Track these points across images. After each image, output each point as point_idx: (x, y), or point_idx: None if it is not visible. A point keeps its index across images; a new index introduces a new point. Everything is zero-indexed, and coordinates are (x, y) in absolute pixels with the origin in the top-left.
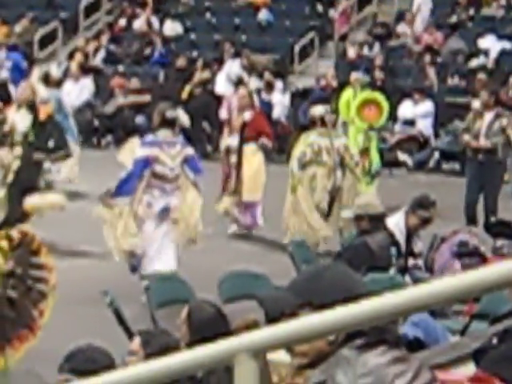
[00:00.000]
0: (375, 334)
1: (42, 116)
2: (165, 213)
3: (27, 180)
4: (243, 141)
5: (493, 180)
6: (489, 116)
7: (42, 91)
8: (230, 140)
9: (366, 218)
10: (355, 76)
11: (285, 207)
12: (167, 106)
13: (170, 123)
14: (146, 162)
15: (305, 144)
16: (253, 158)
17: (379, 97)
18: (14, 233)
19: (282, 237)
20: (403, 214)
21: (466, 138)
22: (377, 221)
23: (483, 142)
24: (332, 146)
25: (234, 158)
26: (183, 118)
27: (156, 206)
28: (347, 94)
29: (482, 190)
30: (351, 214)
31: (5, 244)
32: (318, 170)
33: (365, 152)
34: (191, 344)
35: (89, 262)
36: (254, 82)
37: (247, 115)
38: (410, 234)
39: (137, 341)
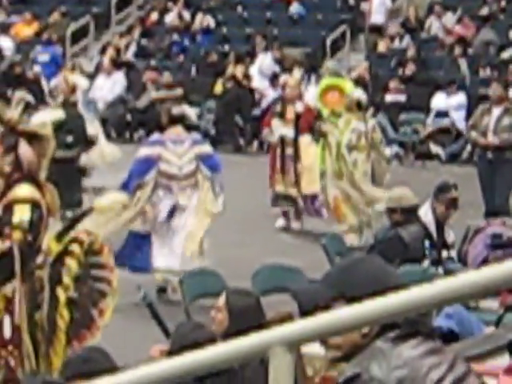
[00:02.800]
0: (409, 325)
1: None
2: (172, 213)
3: (61, 179)
4: (298, 132)
5: (504, 179)
6: (497, 111)
7: (81, 80)
8: (284, 131)
9: (399, 211)
10: (326, 64)
11: (329, 193)
12: (173, 104)
13: (177, 120)
14: (148, 162)
15: (348, 130)
16: (309, 149)
17: (342, 83)
18: (84, 235)
19: (317, 228)
20: (429, 206)
21: (474, 134)
22: (410, 213)
23: (491, 139)
24: (367, 130)
25: (289, 150)
26: (190, 114)
27: (160, 205)
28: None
29: (494, 188)
30: (383, 207)
31: (76, 248)
32: (358, 156)
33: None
34: (228, 332)
35: None
36: (286, 76)
37: (299, 106)
38: (441, 225)
39: (223, 298)
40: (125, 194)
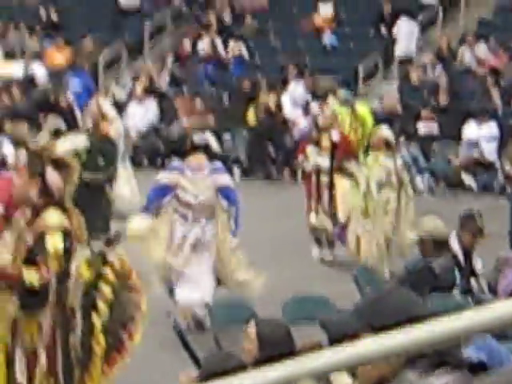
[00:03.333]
0: (438, 356)
1: (102, 134)
2: (184, 242)
3: (87, 203)
4: (334, 161)
5: None
6: None
7: (110, 110)
8: (320, 160)
9: (431, 242)
10: (338, 93)
11: (354, 230)
12: (195, 131)
13: (198, 148)
14: (166, 188)
15: (377, 166)
16: (344, 178)
17: (341, 111)
18: (115, 260)
19: (348, 258)
20: (455, 236)
21: (507, 168)
22: (441, 244)
23: None
24: (396, 168)
25: (324, 178)
26: (213, 142)
27: (176, 233)
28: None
29: None
30: (415, 236)
31: (109, 272)
32: (390, 194)
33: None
34: (258, 361)
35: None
36: (315, 104)
37: (335, 135)
38: (468, 253)
39: (253, 326)
40: (148, 218)
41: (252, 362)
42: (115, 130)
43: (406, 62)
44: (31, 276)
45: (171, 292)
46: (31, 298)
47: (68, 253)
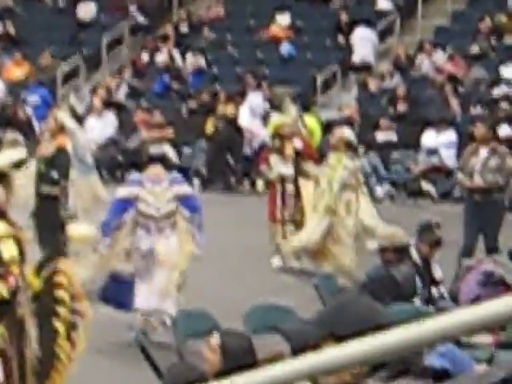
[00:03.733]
0: (400, 364)
1: (55, 146)
2: (149, 255)
3: (43, 215)
4: (298, 169)
5: (491, 221)
6: (484, 152)
7: (69, 122)
8: (284, 169)
9: (391, 250)
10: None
11: (313, 230)
12: (152, 143)
13: (155, 160)
14: (127, 202)
15: (340, 167)
16: (309, 185)
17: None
18: (62, 266)
19: (310, 267)
20: (413, 246)
21: (460, 176)
22: (402, 252)
23: (478, 181)
24: (355, 169)
25: (290, 186)
26: (170, 153)
27: (141, 245)
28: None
29: (480, 232)
30: (376, 245)
31: (63, 279)
32: (351, 195)
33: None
34: (221, 373)
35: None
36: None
37: (298, 143)
38: (427, 262)
39: (216, 338)
40: (93, 228)
41: (214, 373)
42: (80, 141)
43: (364, 69)
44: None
45: (120, 305)
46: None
47: (22, 258)
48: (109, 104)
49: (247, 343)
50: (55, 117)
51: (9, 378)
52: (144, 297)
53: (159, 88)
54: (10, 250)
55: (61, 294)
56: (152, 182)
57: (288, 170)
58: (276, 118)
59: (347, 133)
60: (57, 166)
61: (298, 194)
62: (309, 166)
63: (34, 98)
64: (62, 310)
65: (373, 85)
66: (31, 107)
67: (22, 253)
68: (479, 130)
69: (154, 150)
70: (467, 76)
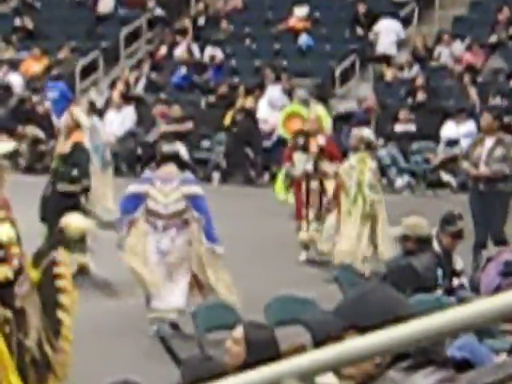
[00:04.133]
0: (422, 355)
1: (72, 143)
2: (160, 254)
3: (56, 212)
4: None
5: (496, 212)
6: (489, 142)
7: (84, 119)
8: (308, 166)
9: (413, 239)
10: (298, 93)
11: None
12: (165, 141)
13: (168, 158)
14: (136, 199)
15: (367, 168)
16: (329, 184)
17: (303, 111)
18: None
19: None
20: (435, 237)
21: (465, 165)
22: (423, 242)
23: (483, 170)
24: (376, 169)
25: (315, 184)
26: (183, 152)
27: (150, 246)
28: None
29: (487, 222)
30: (398, 232)
31: (64, 270)
32: (375, 196)
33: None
34: (245, 365)
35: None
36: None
37: (322, 140)
38: (448, 253)
39: (241, 330)
40: (88, 220)
41: (238, 365)
42: (99, 138)
43: (385, 60)
44: (1, 271)
45: (148, 302)
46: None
47: (19, 240)
48: (128, 98)
49: (270, 335)
50: (71, 113)
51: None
52: (160, 297)
53: (178, 81)
54: (7, 233)
55: (63, 284)
56: (162, 181)
57: (312, 166)
58: (288, 107)
59: (366, 132)
60: (75, 163)
61: (323, 190)
62: (326, 166)
63: (52, 93)
64: (65, 300)
65: (389, 75)
66: (50, 102)
67: (18, 236)
68: (485, 119)
69: (166, 148)
70: (486, 66)
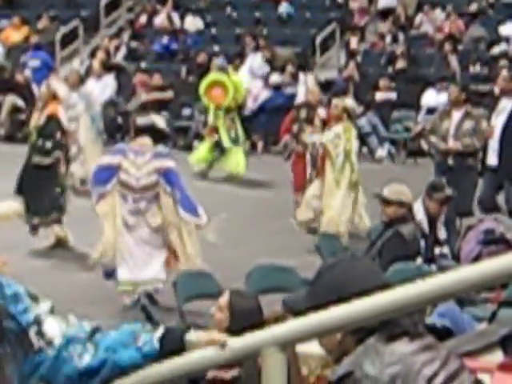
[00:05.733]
0: (402, 323)
1: (46, 115)
2: (128, 228)
3: (35, 185)
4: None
5: (465, 187)
6: (457, 114)
7: (62, 90)
8: (315, 137)
9: (396, 205)
10: (216, 61)
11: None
12: (139, 114)
13: (142, 131)
14: (109, 170)
15: (353, 137)
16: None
17: (225, 79)
18: None
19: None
20: (421, 203)
21: (434, 139)
22: (407, 209)
23: (453, 144)
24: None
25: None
26: (159, 122)
27: (120, 214)
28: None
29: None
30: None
31: None
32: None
33: (213, 129)
34: (227, 332)
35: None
36: (275, 76)
37: (323, 112)
38: (433, 221)
39: (226, 297)
40: (18, 203)
41: (222, 331)
42: (93, 109)
43: (389, 14)
44: None
45: (108, 275)
46: None
47: None
48: (108, 66)
49: (255, 304)
50: (48, 85)
51: None
52: (128, 269)
53: (158, 50)
54: None
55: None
56: (135, 153)
57: (317, 138)
58: (208, 76)
59: (350, 102)
60: (48, 135)
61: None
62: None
63: (34, 62)
64: None
65: (353, 43)
66: (32, 71)
67: None
68: (452, 92)
69: (141, 120)
70: (466, 34)
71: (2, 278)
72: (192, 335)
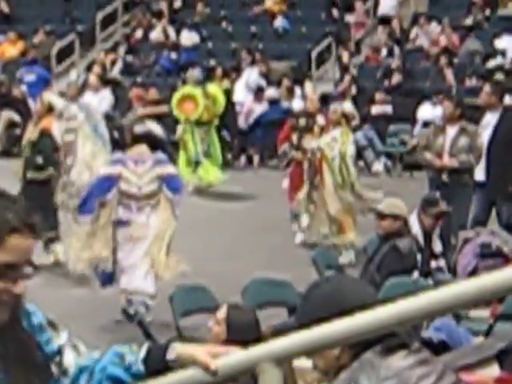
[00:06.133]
0: (398, 338)
1: (39, 129)
2: (120, 225)
3: (29, 200)
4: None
5: (460, 203)
6: (452, 130)
7: (58, 102)
8: (314, 143)
9: (390, 218)
10: (190, 73)
11: (331, 208)
12: (136, 121)
13: (140, 138)
14: (109, 181)
15: (350, 141)
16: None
17: (197, 93)
18: None
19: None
20: (416, 218)
21: (428, 156)
22: (402, 223)
23: (448, 161)
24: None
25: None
26: (156, 130)
27: (121, 222)
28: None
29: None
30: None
31: None
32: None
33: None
34: (225, 344)
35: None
36: (271, 90)
37: (321, 119)
38: (428, 235)
39: (223, 310)
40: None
41: (219, 345)
42: (94, 118)
43: (387, 22)
44: None
45: (104, 283)
46: None
47: None
48: (105, 81)
49: (252, 318)
50: (42, 99)
51: None
52: (128, 278)
53: (154, 65)
54: None
55: None
56: (135, 162)
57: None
58: (181, 89)
59: (348, 107)
60: (41, 150)
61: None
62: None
63: (30, 77)
64: None
65: (345, 57)
66: (28, 86)
67: None
68: (446, 108)
69: (138, 128)
70: (462, 48)
71: (29, 305)
72: (178, 348)
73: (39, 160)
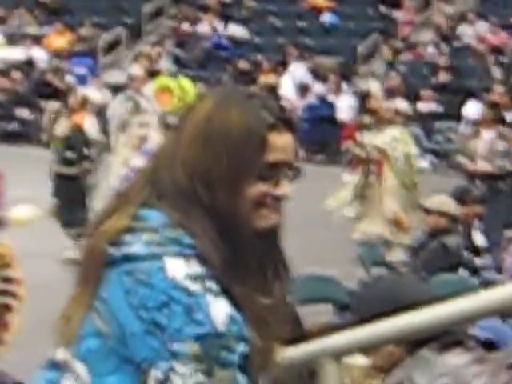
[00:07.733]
0: (454, 335)
1: (71, 125)
2: None
3: (62, 195)
4: None
5: (496, 212)
6: (488, 135)
7: (95, 97)
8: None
9: (436, 215)
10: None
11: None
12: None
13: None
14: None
15: (411, 141)
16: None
17: (172, 84)
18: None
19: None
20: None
21: (462, 160)
22: (451, 220)
23: (483, 165)
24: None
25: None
26: None
27: None
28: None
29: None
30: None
31: None
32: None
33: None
34: None
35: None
36: (318, 85)
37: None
38: (468, 228)
39: None
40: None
41: None
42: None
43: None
44: None
45: None
46: None
47: None
48: (151, 73)
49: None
50: (77, 95)
51: None
52: None
53: (202, 58)
54: None
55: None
56: None
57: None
58: (158, 79)
59: (403, 105)
60: (73, 145)
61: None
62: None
63: (79, 69)
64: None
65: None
66: (76, 77)
67: None
68: (483, 112)
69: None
70: (509, 46)
71: None
72: None
73: (70, 155)
